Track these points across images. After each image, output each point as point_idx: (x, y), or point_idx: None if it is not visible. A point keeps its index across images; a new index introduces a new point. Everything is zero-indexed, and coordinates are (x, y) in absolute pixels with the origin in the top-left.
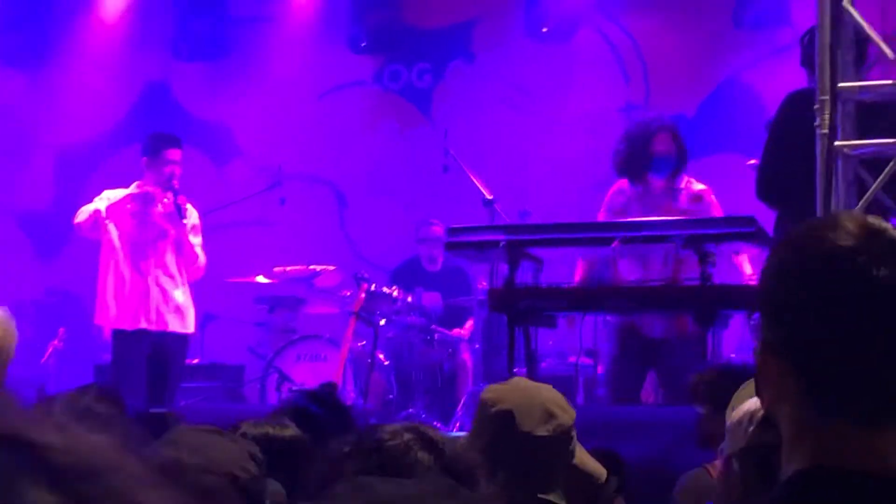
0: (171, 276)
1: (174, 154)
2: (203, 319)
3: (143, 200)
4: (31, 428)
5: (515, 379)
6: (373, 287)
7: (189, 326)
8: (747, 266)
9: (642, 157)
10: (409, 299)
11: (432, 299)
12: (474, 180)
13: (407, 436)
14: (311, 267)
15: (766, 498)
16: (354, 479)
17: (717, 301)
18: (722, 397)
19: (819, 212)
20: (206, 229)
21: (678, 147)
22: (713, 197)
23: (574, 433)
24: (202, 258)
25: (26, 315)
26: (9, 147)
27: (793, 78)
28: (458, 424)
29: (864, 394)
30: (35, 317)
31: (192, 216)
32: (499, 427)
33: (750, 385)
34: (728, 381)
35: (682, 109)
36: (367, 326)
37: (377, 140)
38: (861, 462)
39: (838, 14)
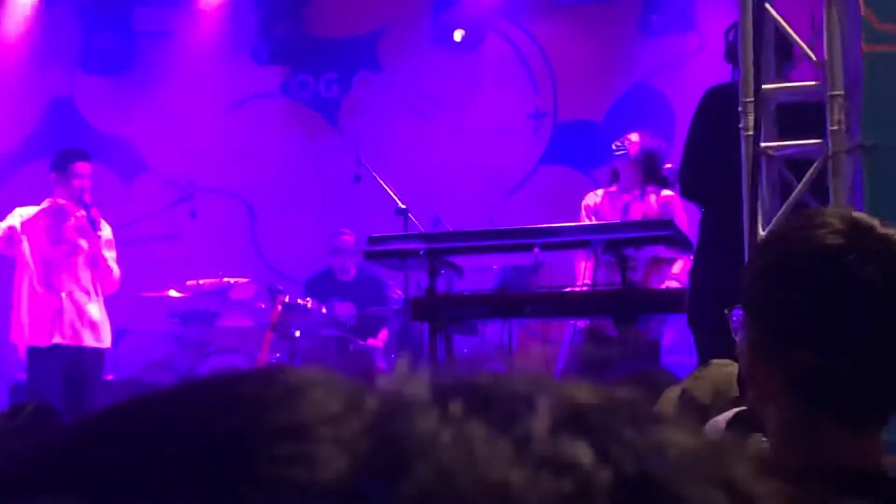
0: (86, 291)
1: (83, 167)
2: (116, 335)
3: (56, 215)
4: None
5: None
6: (287, 299)
7: (105, 341)
8: (677, 266)
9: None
10: (324, 310)
11: (346, 310)
12: (387, 189)
13: None
14: (225, 280)
15: None
16: None
17: (635, 305)
18: None
19: (745, 214)
20: (117, 245)
21: (645, 155)
22: (679, 204)
23: None
24: (116, 272)
25: None
26: None
27: (701, 82)
28: None
29: (850, 397)
30: None
31: (106, 230)
32: None
33: (671, 392)
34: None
35: (591, 115)
36: (283, 339)
37: (286, 151)
38: (847, 462)
39: (760, 15)
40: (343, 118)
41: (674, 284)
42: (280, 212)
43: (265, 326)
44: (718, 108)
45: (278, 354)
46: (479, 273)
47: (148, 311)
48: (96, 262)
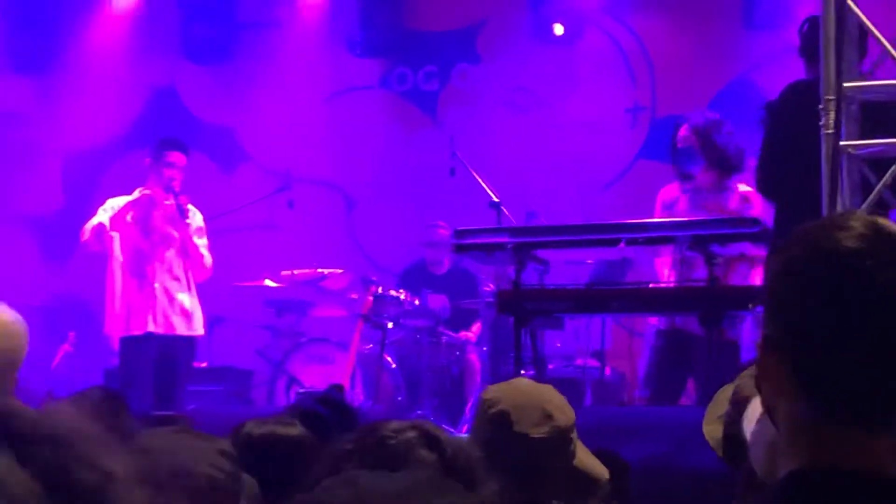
0: (177, 279)
1: (175, 157)
2: (211, 323)
3: (145, 205)
4: None
5: (517, 380)
6: (380, 290)
7: (197, 328)
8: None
9: (672, 153)
10: (417, 302)
11: (439, 302)
12: (481, 182)
13: (410, 433)
14: (319, 270)
15: (761, 496)
16: (344, 473)
17: (722, 302)
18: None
19: (824, 211)
20: (214, 233)
21: (700, 140)
22: (759, 199)
23: (574, 435)
24: (208, 259)
25: (35, 321)
26: (17, 153)
27: (800, 77)
28: (466, 426)
29: (860, 398)
30: (44, 322)
31: (196, 218)
32: (495, 428)
33: (725, 391)
34: None
35: (690, 110)
36: (375, 329)
37: (384, 143)
38: (857, 464)
39: (842, 12)
40: (440, 111)
41: None
42: (376, 203)
43: (358, 317)
44: (799, 103)
45: (370, 345)
46: (572, 267)
47: (243, 299)
48: (187, 250)
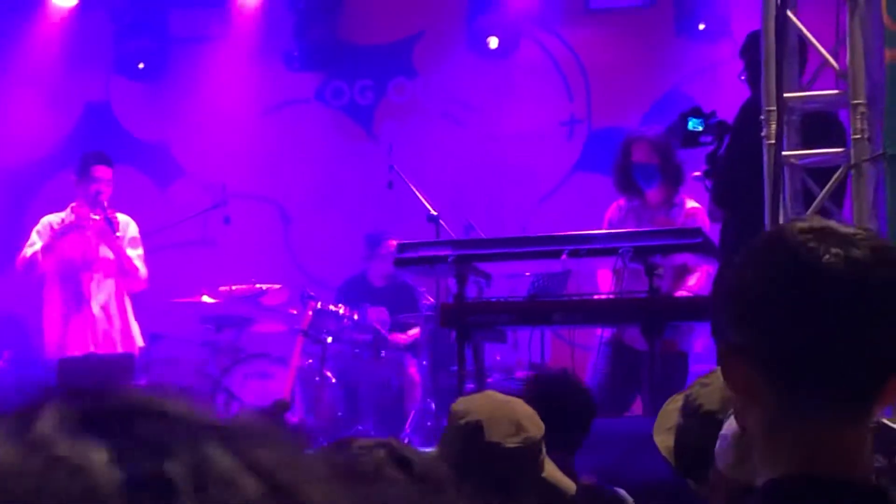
0: (115, 296)
1: (101, 171)
2: (149, 340)
3: (73, 224)
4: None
5: (487, 392)
6: (319, 305)
7: (136, 342)
8: (693, 278)
9: (624, 169)
10: (356, 316)
11: (379, 315)
12: (419, 196)
13: (379, 452)
14: (258, 285)
15: None
16: None
17: (663, 313)
18: None
19: (767, 220)
20: (150, 250)
21: (661, 157)
22: (705, 216)
23: (543, 447)
24: (143, 270)
25: None
26: None
27: (735, 88)
28: (406, 440)
29: (825, 384)
30: None
31: (130, 228)
32: (467, 438)
33: (673, 403)
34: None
35: (625, 122)
36: (315, 344)
37: (321, 157)
38: (833, 466)
39: (783, 24)
40: (377, 124)
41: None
42: (313, 218)
43: (297, 332)
44: (753, 119)
45: (310, 360)
46: (511, 280)
47: (181, 316)
48: (121, 264)
